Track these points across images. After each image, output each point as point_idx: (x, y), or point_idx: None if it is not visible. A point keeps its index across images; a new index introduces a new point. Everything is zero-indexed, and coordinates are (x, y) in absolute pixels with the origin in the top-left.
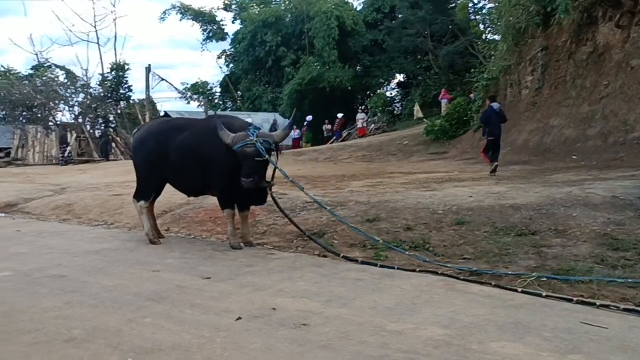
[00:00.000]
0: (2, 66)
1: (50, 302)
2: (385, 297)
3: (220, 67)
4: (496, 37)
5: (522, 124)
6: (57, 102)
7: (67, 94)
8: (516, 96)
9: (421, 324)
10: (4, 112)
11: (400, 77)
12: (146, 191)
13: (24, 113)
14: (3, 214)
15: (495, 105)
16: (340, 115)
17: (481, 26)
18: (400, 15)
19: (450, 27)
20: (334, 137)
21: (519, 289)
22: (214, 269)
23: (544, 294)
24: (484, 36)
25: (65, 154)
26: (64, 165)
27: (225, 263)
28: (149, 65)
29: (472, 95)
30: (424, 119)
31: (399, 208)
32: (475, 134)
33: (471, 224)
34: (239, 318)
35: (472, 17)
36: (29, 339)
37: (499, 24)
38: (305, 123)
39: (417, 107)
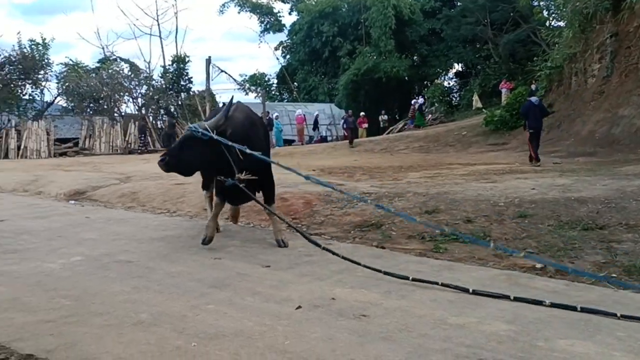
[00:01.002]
0: (70, 60)
1: (119, 286)
2: (446, 290)
3: (278, 59)
4: (561, 23)
5: (588, 114)
6: (121, 94)
7: (131, 86)
8: (582, 85)
9: (484, 319)
10: (72, 104)
11: (458, 67)
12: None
13: (91, 105)
14: (73, 202)
15: (534, 99)
16: (414, 101)
17: (545, 13)
18: (459, 4)
19: (511, 14)
20: (409, 124)
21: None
22: (274, 258)
23: (615, 290)
24: (547, 23)
25: (143, 143)
26: (143, 154)
27: (284, 252)
28: (209, 57)
29: (533, 86)
30: (483, 109)
31: (459, 200)
32: None
33: (534, 217)
34: (299, 307)
35: (536, 4)
36: (101, 321)
37: (564, 9)
38: (416, 105)
39: (475, 97)
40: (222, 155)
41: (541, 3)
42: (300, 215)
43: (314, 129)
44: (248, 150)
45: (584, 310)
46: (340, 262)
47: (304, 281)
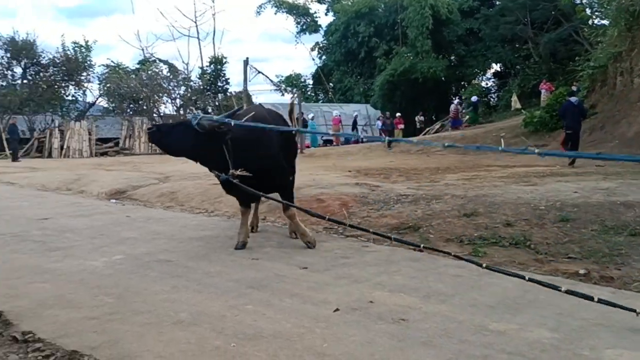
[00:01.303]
0: (112, 61)
1: (159, 285)
2: (485, 295)
3: (313, 59)
4: (605, 21)
5: (634, 115)
6: (160, 94)
7: (170, 87)
8: (627, 85)
9: (526, 325)
10: (113, 105)
11: (496, 67)
12: None
13: (131, 105)
14: (114, 201)
15: (573, 99)
16: (455, 101)
17: (588, 11)
18: (498, 3)
19: (553, 12)
20: (449, 125)
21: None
22: (311, 260)
23: None
24: (590, 21)
25: None
26: None
27: (321, 254)
28: (247, 58)
29: (574, 87)
30: (522, 110)
31: (498, 203)
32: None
33: (577, 221)
34: (337, 310)
35: (578, 2)
36: (142, 319)
37: (608, 7)
38: (471, 102)
39: (514, 98)
40: (217, 150)
41: (584, 1)
42: (336, 216)
43: (352, 129)
44: None
45: None
46: (377, 265)
47: (341, 283)
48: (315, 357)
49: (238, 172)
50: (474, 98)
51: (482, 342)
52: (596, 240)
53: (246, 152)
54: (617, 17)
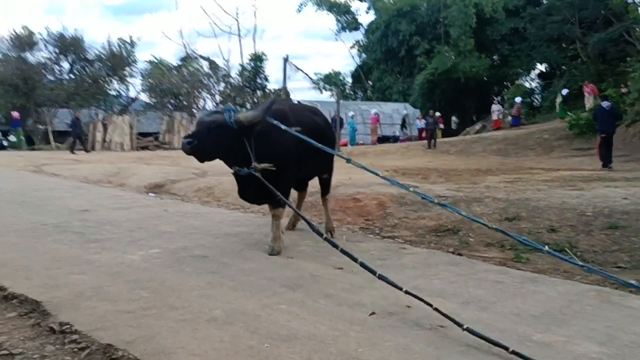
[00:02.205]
0: (155, 58)
1: (194, 281)
2: (529, 303)
3: (353, 57)
4: None
5: None
6: (200, 90)
7: (210, 84)
8: None
9: (573, 338)
10: (154, 100)
11: (541, 67)
12: None
13: (172, 101)
14: (153, 194)
15: (605, 104)
16: (518, 99)
17: None
18: (545, 1)
19: (603, 12)
20: (510, 123)
21: None
22: (346, 260)
23: None
24: None
25: None
26: None
27: (356, 255)
28: (287, 55)
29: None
30: (568, 112)
31: (542, 207)
32: (629, 129)
33: (627, 229)
34: (373, 313)
35: (630, 1)
36: (177, 315)
37: None
38: (563, 95)
39: (559, 99)
40: (242, 145)
41: (636, 0)
42: (373, 217)
43: (402, 128)
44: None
45: None
46: (414, 268)
47: (377, 286)
48: None
49: (262, 166)
50: (564, 91)
51: (526, 354)
52: None
53: (267, 146)
54: None
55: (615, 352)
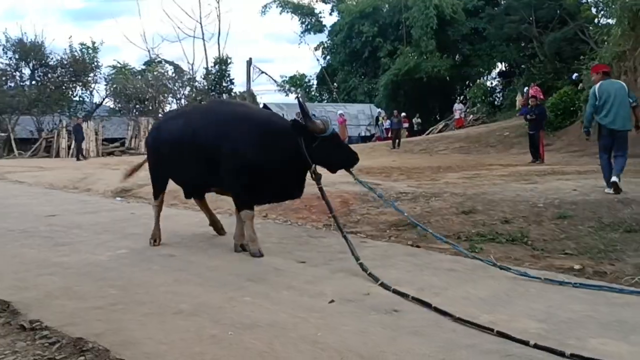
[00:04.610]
0: (118, 62)
1: (161, 278)
2: (478, 288)
3: (318, 59)
4: (610, 21)
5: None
6: (165, 95)
7: (175, 88)
8: (631, 84)
9: (515, 317)
10: (119, 105)
11: (501, 66)
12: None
13: (137, 106)
14: (119, 198)
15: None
16: (525, 88)
17: (593, 10)
18: (503, 2)
19: (558, 12)
20: (520, 113)
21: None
22: (309, 254)
23: None
24: (596, 20)
25: None
26: None
27: (320, 249)
28: (250, 58)
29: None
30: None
31: (497, 201)
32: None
33: (574, 218)
34: (332, 301)
35: (583, 1)
36: (144, 309)
37: (613, 6)
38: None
39: (519, 97)
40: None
41: (589, 0)
42: (337, 213)
43: (376, 126)
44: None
45: None
46: (374, 259)
47: (338, 277)
48: (309, 345)
49: None
50: (526, 89)
51: (472, 332)
52: (592, 237)
53: None
54: (621, 16)
55: (552, 328)
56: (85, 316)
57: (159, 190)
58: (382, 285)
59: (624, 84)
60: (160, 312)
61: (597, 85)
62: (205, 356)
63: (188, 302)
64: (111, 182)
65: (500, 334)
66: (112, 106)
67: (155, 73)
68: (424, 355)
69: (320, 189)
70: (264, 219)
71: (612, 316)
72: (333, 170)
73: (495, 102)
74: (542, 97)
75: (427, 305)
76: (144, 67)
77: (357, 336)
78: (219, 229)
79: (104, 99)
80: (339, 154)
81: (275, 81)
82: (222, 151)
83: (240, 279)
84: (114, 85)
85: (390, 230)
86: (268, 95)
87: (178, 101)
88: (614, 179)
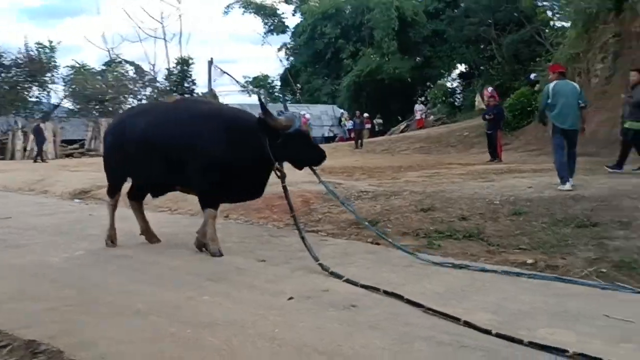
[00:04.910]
0: (77, 62)
1: (118, 278)
2: (435, 283)
3: (281, 60)
4: (565, 23)
5: (590, 115)
6: (126, 95)
7: (136, 88)
8: (585, 85)
9: (469, 310)
10: (78, 106)
11: (461, 68)
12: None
13: (97, 107)
14: (78, 200)
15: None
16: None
17: (549, 13)
18: (462, 4)
19: (515, 14)
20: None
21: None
22: (270, 253)
23: (602, 284)
24: (551, 23)
25: None
26: None
27: (281, 248)
28: (211, 59)
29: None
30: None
31: (455, 198)
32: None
33: (529, 214)
34: (291, 298)
35: (539, 4)
36: (101, 310)
37: (568, 9)
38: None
39: (478, 98)
40: None
41: (545, 3)
42: (298, 213)
43: (338, 126)
44: None
45: None
46: (334, 257)
47: (297, 275)
48: (266, 342)
49: None
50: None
51: (427, 325)
52: (545, 232)
53: None
54: (576, 19)
55: (505, 319)
56: (39, 318)
57: (115, 188)
58: (348, 281)
59: (577, 85)
60: (117, 313)
61: (552, 84)
62: (164, 355)
63: (145, 302)
64: (69, 184)
65: (467, 324)
66: (71, 107)
67: (115, 73)
68: (380, 348)
69: (284, 188)
70: (226, 219)
71: (560, 307)
72: (299, 167)
73: (455, 103)
74: (497, 98)
75: (399, 297)
76: (104, 67)
77: (314, 332)
78: (151, 237)
79: (62, 100)
80: (304, 151)
81: (237, 82)
82: (190, 149)
83: (200, 278)
84: (73, 86)
85: (351, 228)
86: (231, 96)
87: (139, 102)
88: (567, 185)
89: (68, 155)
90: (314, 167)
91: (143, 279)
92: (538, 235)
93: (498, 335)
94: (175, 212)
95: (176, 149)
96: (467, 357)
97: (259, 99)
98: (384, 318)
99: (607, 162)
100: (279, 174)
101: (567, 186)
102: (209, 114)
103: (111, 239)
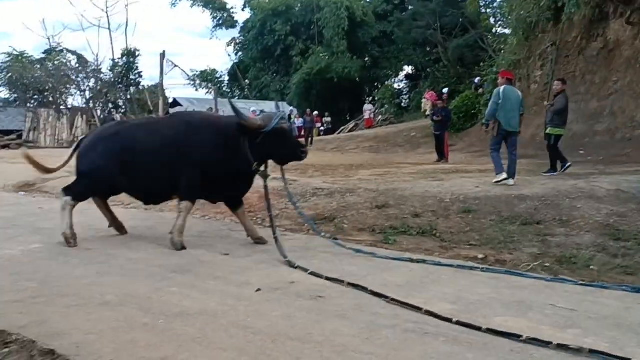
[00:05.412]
0: (14, 50)
1: (81, 271)
2: (395, 276)
3: (229, 55)
4: (506, 31)
5: (530, 119)
6: (68, 86)
7: (79, 79)
8: (525, 91)
9: (430, 300)
10: (15, 95)
11: (408, 69)
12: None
13: (36, 97)
14: (23, 193)
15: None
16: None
17: (492, 20)
18: (410, 7)
19: (460, 20)
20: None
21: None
22: (232, 247)
23: (548, 277)
24: (494, 30)
25: None
26: None
27: (241, 242)
28: (164, 51)
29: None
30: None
31: (407, 196)
32: (484, 127)
33: (478, 212)
34: (259, 289)
35: (483, 11)
36: (67, 301)
37: (509, 17)
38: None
39: (424, 101)
40: None
41: (488, 10)
42: (256, 209)
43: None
44: None
45: None
46: (295, 251)
47: (261, 267)
48: (240, 330)
49: None
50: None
51: (392, 314)
52: (493, 229)
53: None
54: (517, 27)
55: (463, 309)
56: (4, 310)
57: (87, 196)
58: (313, 274)
59: (520, 93)
60: (84, 304)
61: (502, 88)
62: (138, 343)
63: (114, 294)
64: (10, 176)
65: (428, 312)
66: (6, 96)
67: (56, 63)
68: (349, 335)
69: (265, 188)
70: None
71: (512, 297)
72: (281, 163)
73: (402, 104)
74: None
75: (363, 289)
76: (43, 55)
77: (285, 320)
78: (120, 228)
79: None
80: (283, 148)
81: (188, 76)
82: (188, 155)
83: (165, 270)
84: (9, 74)
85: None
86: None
87: (82, 93)
88: (511, 181)
89: (4, 147)
90: (296, 162)
91: (108, 271)
92: (487, 232)
93: (458, 323)
94: (130, 207)
95: (174, 156)
96: (431, 343)
97: (230, 104)
98: (350, 308)
99: (546, 163)
100: (261, 174)
101: (504, 175)
102: (207, 122)
103: (73, 239)
